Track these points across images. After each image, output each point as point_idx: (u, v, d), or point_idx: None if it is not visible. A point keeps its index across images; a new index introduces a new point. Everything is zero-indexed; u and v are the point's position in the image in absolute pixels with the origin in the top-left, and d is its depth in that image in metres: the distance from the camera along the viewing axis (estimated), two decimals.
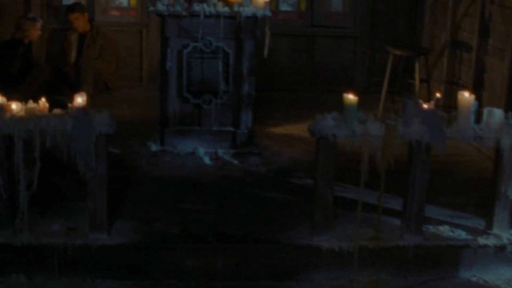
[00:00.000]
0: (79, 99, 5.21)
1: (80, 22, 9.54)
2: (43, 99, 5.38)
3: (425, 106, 5.41)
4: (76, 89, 9.03)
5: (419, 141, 5.34)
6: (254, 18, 7.08)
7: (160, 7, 6.95)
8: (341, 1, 10.76)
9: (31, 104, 5.31)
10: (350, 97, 5.38)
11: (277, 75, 10.39)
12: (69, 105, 5.27)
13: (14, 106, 5.25)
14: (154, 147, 7.33)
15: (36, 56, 9.96)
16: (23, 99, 9.06)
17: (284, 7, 10.72)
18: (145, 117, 8.76)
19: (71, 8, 9.57)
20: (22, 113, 5.22)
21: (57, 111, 5.32)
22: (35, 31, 9.47)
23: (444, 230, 5.76)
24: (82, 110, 5.18)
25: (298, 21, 10.61)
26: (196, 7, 6.95)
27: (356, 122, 5.35)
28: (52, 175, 5.82)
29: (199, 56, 7.17)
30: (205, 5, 6.97)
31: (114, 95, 9.75)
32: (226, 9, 7.01)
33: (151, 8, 6.99)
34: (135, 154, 7.36)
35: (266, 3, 7.13)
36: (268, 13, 7.13)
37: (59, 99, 8.35)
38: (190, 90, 7.23)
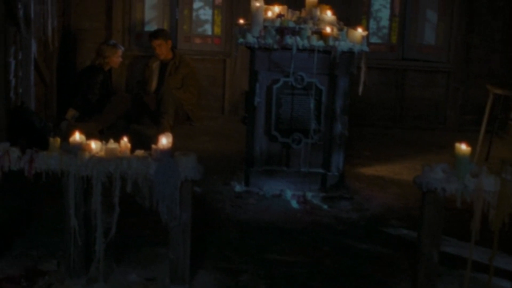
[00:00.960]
0: (164, 141, 4.72)
1: (162, 49, 9.14)
2: (125, 139, 4.90)
3: None
4: (156, 120, 8.64)
5: None
6: (350, 53, 6.54)
7: (250, 39, 6.46)
8: (433, 33, 10.13)
9: (112, 144, 4.85)
10: (463, 147, 4.76)
11: (364, 110, 9.78)
12: (153, 146, 4.78)
13: (94, 145, 4.79)
14: (238, 188, 6.83)
15: (116, 84, 9.61)
16: (101, 128, 8.83)
17: (373, 39, 10.15)
18: (227, 151, 8.29)
19: (155, 34, 9.18)
20: (102, 154, 4.77)
21: (139, 152, 4.83)
22: (115, 58, 9.11)
23: None
24: (167, 153, 4.69)
25: (388, 54, 10.02)
26: (289, 39, 6.44)
27: (468, 176, 4.73)
28: (130, 216, 5.38)
29: (289, 92, 6.66)
30: (298, 38, 6.45)
31: (195, 126, 9.32)
32: (321, 42, 6.48)
33: (240, 40, 6.50)
34: (217, 193, 6.86)
35: (363, 37, 6.57)
36: (366, 48, 6.58)
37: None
38: (278, 128, 6.72)
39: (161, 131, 8.31)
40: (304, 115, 6.70)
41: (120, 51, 9.16)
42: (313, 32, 6.56)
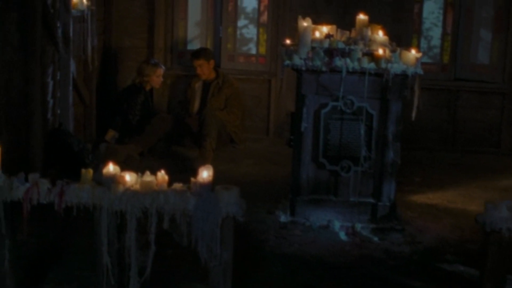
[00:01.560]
0: (204, 174, 4.33)
1: (204, 69, 8.79)
2: (162, 172, 4.53)
3: None
4: (199, 142, 8.28)
5: None
6: (403, 76, 6.11)
7: (297, 61, 6.06)
8: (487, 52, 9.63)
9: (148, 176, 4.47)
10: None
11: (414, 132, 9.28)
12: (192, 180, 4.40)
13: (129, 177, 4.42)
14: (283, 217, 6.41)
15: (157, 104, 9.27)
16: (141, 150, 8.48)
17: (424, 59, 9.62)
18: (272, 176, 7.89)
19: (196, 54, 8.83)
20: (137, 187, 4.40)
21: (177, 185, 4.45)
22: (156, 77, 8.77)
23: None
24: (207, 187, 4.30)
25: (440, 74, 9.53)
26: (338, 62, 6.03)
27: None
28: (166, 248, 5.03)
29: (338, 117, 6.24)
30: (348, 60, 6.04)
31: (239, 148, 8.94)
32: (372, 65, 6.05)
33: (287, 62, 6.10)
34: (261, 223, 6.46)
35: (418, 59, 6.13)
36: (420, 70, 6.14)
37: None
38: (326, 155, 6.30)
39: (203, 154, 8.00)
40: (353, 142, 6.28)
41: (161, 70, 8.83)
42: (364, 54, 6.14)
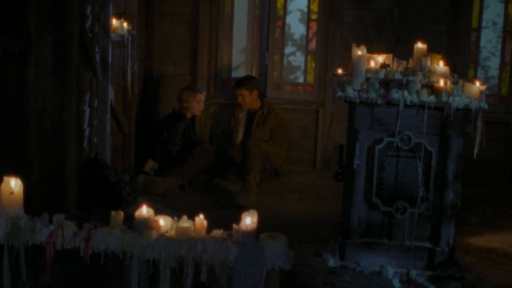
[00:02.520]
0: (248, 220, 3.81)
1: (246, 99, 8.31)
2: (201, 216, 4.02)
3: None
4: (242, 175, 7.78)
5: None
6: (466, 110, 5.54)
7: (351, 92, 5.53)
8: None
9: (184, 221, 3.97)
10: None
11: (469, 168, 8.64)
12: (234, 226, 3.88)
13: (163, 222, 3.92)
14: (332, 261, 5.85)
15: (199, 134, 8.80)
16: (181, 182, 7.99)
17: None
18: (319, 214, 7.34)
19: (239, 83, 8.35)
20: (172, 233, 3.90)
21: (217, 233, 3.93)
22: (196, 103, 8.31)
23: None
24: (250, 235, 3.78)
25: (498, 107, 8.90)
26: (395, 94, 5.48)
27: None
28: None
29: (394, 154, 5.68)
30: (405, 92, 5.49)
31: (284, 182, 8.41)
32: (432, 98, 5.50)
33: (339, 94, 5.57)
34: (307, 267, 5.89)
35: (482, 92, 5.56)
36: (484, 104, 5.56)
37: None
38: (380, 195, 5.74)
39: (246, 188, 7.48)
40: (410, 181, 5.71)
41: (201, 95, 8.36)
42: (423, 86, 5.59)
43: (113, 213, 4.07)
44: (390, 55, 6.02)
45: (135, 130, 8.47)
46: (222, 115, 8.90)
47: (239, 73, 9.08)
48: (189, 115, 8.36)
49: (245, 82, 8.35)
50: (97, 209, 7.03)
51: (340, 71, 6.08)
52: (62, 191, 6.70)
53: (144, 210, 4.02)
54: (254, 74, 9.03)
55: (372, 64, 5.77)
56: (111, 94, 7.62)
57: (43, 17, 6.20)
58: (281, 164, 8.37)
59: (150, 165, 8.17)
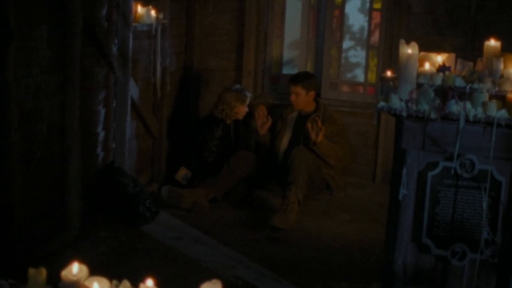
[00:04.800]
0: None
1: (300, 99, 7.00)
2: (149, 283, 2.77)
3: None
4: (283, 191, 6.51)
5: None
6: None
7: (396, 102, 4.17)
8: None
9: (126, 285, 2.73)
10: None
11: None
12: None
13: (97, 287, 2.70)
14: None
15: (245, 138, 7.50)
16: (213, 196, 6.75)
17: None
18: (370, 241, 6.01)
19: (295, 79, 7.01)
20: None
21: None
22: (243, 107, 7.05)
23: None
24: None
25: None
26: (454, 106, 4.09)
27: None
28: None
29: (451, 183, 4.29)
30: (468, 105, 4.09)
31: (336, 197, 7.08)
32: (503, 112, 4.08)
33: (381, 104, 4.21)
34: None
35: None
36: None
37: None
38: (433, 235, 4.36)
39: (285, 207, 6.21)
40: (471, 218, 4.31)
41: (248, 98, 7.10)
42: (492, 96, 4.18)
43: (31, 271, 2.86)
44: (453, 55, 4.61)
45: (168, 133, 7.30)
46: (271, 116, 7.56)
47: (291, 69, 7.77)
48: (230, 120, 7.11)
49: (303, 79, 6.99)
50: (109, 226, 5.93)
51: (389, 73, 4.69)
52: (62, 206, 5.59)
53: (75, 269, 2.80)
54: (308, 70, 7.70)
55: (427, 66, 4.38)
56: (134, 92, 6.46)
57: (33, 2, 5.05)
58: (333, 176, 7.03)
59: (182, 173, 6.98)
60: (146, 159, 7.04)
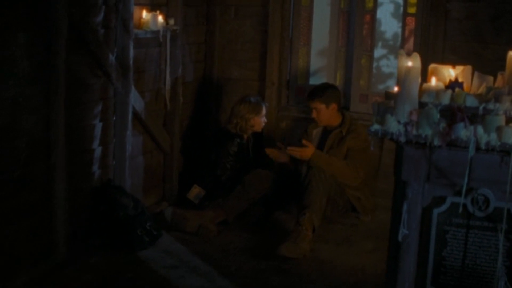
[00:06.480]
0: None
1: (321, 115, 6.26)
2: None
3: None
4: (296, 215, 5.80)
5: None
6: None
7: (393, 125, 3.42)
8: None
9: None
10: None
11: None
12: None
13: None
14: None
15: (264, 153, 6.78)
16: (222, 218, 6.06)
17: None
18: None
19: (311, 94, 6.28)
20: None
21: None
22: (259, 119, 6.37)
23: None
24: None
25: None
26: (463, 131, 3.32)
27: None
28: None
29: (461, 222, 3.53)
30: (480, 129, 3.31)
31: (362, 221, 6.30)
32: None
33: (375, 128, 3.48)
34: None
35: None
36: None
37: None
38: (439, 283, 3.59)
39: (296, 235, 5.50)
40: (485, 265, 3.53)
41: (264, 109, 6.42)
42: (510, 119, 3.38)
43: None
44: (469, 67, 3.80)
45: (184, 148, 6.66)
46: (296, 131, 6.86)
47: (318, 80, 6.99)
48: (247, 134, 6.44)
49: (319, 92, 6.24)
50: (101, 251, 5.32)
51: (397, 88, 3.92)
52: (48, 229, 5.01)
53: None
54: (338, 81, 6.94)
55: (433, 81, 3.61)
56: (139, 104, 5.85)
57: (6, 6, 4.47)
58: (359, 197, 6.26)
59: (195, 191, 6.32)
60: (157, 177, 6.41)
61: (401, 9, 6.76)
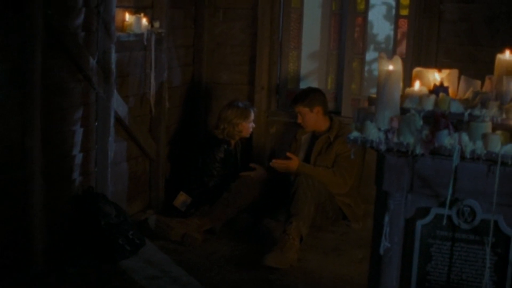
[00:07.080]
0: None
1: (306, 119, 6.07)
2: None
3: None
4: (285, 222, 5.60)
5: None
6: None
7: (373, 132, 3.21)
8: None
9: None
10: None
11: None
12: None
13: None
14: None
15: (258, 161, 6.55)
16: (208, 227, 5.85)
17: None
18: None
19: (296, 98, 6.10)
20: None
21: None
22: (247, 124, 6.18)
23: None
24: None
25: None
26: (447, 139, 3.11)
27: None
28: None
29: (447, 235, 3.31)
30: (465, 137, 3.10)
31: (352, 229, 6.09)
32: (510, 148, 3.06)
33: (354, 135, 3.27)
34: None
35: None
36: None
37: None
38: None
39: (282, 245, 5.30)
40: (472, 280, 3.32)
41: (252, 114, 6.23)
42: (496, 126, 3.16)
43: None
44: (455, 71, 3.59)
45: (172, 154, 6.47)
46: (286, 136, 6.66)
47: (310, 84, 6.77)
48: (234, 140, 6.25)
49: (302, 96, 6.04)
50: (80, 261, 5.11)
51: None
52: (25, 238, 4.81)
53: None
54: (329, 85, 6.73)
55: (417, 86, 3.40)
56: (122, 110, 5.65)
57: None
58: (349, 204, 6.06)
59: (181, 199, 6.13)
60: (142, 183, 6.21)
61: (394, 11, 6.54)
